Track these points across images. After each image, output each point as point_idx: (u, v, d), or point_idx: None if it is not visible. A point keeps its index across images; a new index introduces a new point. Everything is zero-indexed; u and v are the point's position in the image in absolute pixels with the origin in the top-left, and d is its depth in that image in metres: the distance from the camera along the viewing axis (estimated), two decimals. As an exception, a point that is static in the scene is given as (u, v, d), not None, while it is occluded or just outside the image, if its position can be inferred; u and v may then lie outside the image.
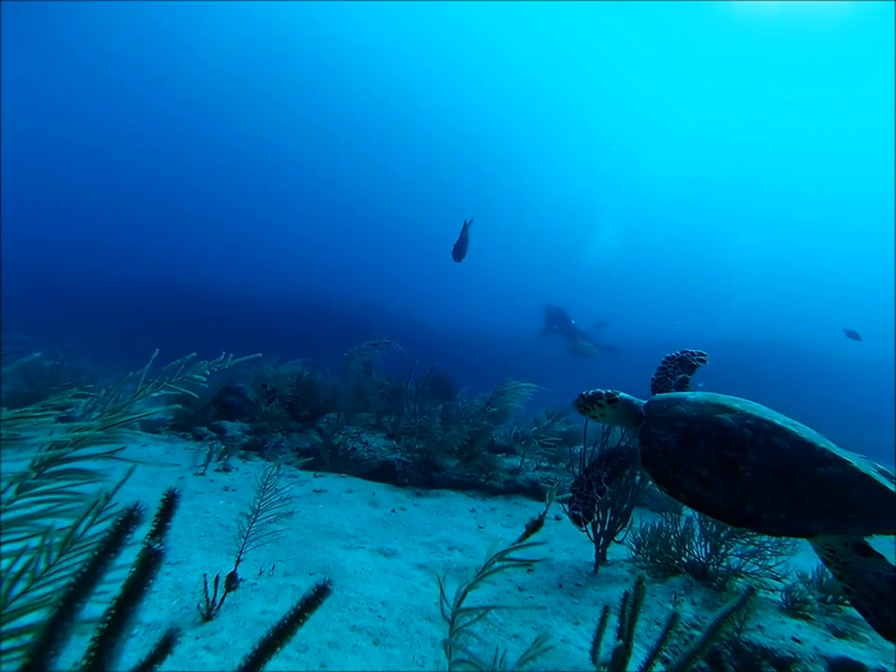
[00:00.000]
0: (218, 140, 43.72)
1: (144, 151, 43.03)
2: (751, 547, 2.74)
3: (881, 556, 1.64)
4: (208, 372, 1.55)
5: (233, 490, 3.97)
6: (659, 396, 2.24)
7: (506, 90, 42.17)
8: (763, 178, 42.58)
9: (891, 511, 1.59)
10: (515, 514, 4.55)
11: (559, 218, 51.12)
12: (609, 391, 2.29)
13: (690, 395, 2.13)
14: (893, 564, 1.63)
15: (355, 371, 6.56)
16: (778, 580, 2.69)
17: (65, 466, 1.46)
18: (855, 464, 1.69)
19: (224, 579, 2.01)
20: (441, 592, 1.57)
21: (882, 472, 1.71)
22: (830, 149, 38.59)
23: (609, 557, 3.19)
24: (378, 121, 44.68)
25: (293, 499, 3.95)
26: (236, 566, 2.12)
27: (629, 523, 3.22)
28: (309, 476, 4.84)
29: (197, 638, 1.83)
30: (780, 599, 2.50)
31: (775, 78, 35.82)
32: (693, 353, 2.45)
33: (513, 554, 1.40)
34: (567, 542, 3.70)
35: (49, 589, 1.12)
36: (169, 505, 1.31)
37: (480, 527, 3.88)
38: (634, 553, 3.20)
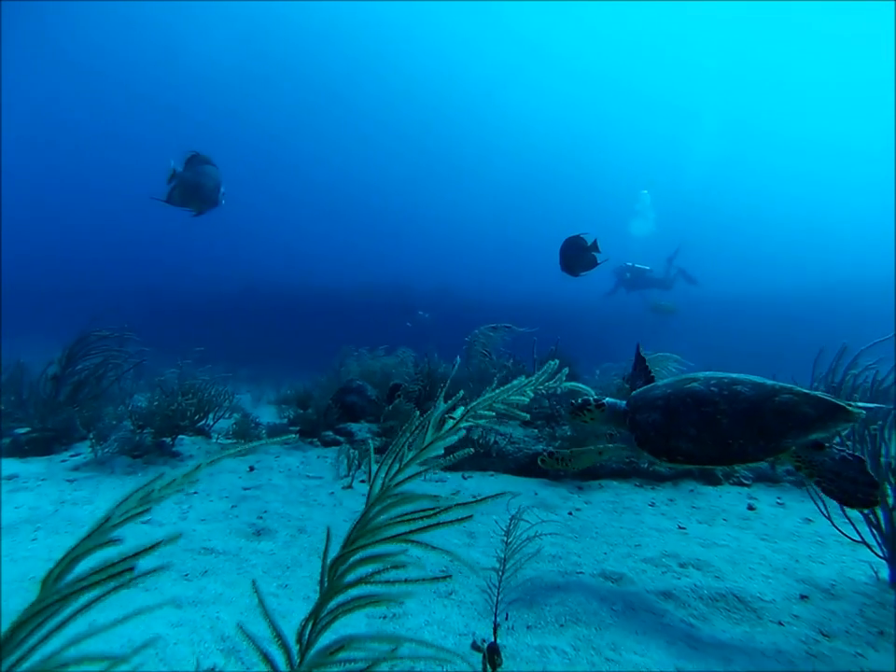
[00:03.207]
0: (301, 134, 44.65)
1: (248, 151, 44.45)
2: None
3: (830, 446, 2.06)
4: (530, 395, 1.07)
5: (393, 504, 3.60)
6: (635, 392, 2.61)
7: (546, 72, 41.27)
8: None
9: (833, 413, 2.01)
10: (700, 505, 3.92)
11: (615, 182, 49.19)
12: (596, 397, 2.65)
13: (659, 382, 2.55)
14: None
15: (475, 355, 6.09)
16: None
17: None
18: (799, 388, 2.14)
19: (487, 652, 1.55)
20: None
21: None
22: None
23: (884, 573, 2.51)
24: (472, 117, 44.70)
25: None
26: (495, 633, 1.66)
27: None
28: (457, 477, 4.42)
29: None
30: None
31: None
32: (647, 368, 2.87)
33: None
34: (801, 546, 3.01)
35: None
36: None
37: (681, 528, 3.30)
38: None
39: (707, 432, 2.14)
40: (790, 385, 2.16)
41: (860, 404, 2.08)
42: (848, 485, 1.97)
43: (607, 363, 6.49)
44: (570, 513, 3.59)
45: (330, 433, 5.27)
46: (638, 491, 4.30)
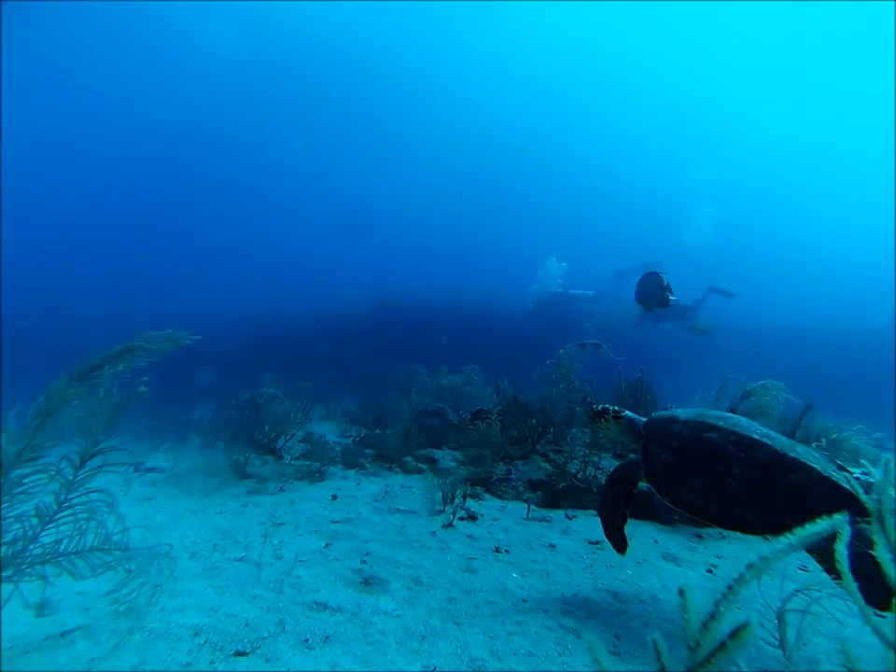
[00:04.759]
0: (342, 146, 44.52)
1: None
2: None
3: None
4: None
5: (507, 551, 3.18)
6: (655, 416, 2.53)
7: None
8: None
9: (846, 504, 1.84)
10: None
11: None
12: (616, 408, 2.64)
13: (680, 413, 2.42)
14: None
15: (561, 378, 5.65)
16: None
17: None
18: (818, 468, 2.02)
19: None
20: None
21: (840, 468, 2.08)
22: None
23: None
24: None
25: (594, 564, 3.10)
26: None
27: None
28: (560, 516, 3.98)
29: None
30: None
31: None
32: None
33: None
34: None
35: None
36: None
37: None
38: None
39: (712, 490, 2.13)
40: (809, 464, 2.05)
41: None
42: (863, 583, 1.78)
43: (701, 391, 5.98)
44: (710, 571, 3.12)
45: (411, 459, 4.91)
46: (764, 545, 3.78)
